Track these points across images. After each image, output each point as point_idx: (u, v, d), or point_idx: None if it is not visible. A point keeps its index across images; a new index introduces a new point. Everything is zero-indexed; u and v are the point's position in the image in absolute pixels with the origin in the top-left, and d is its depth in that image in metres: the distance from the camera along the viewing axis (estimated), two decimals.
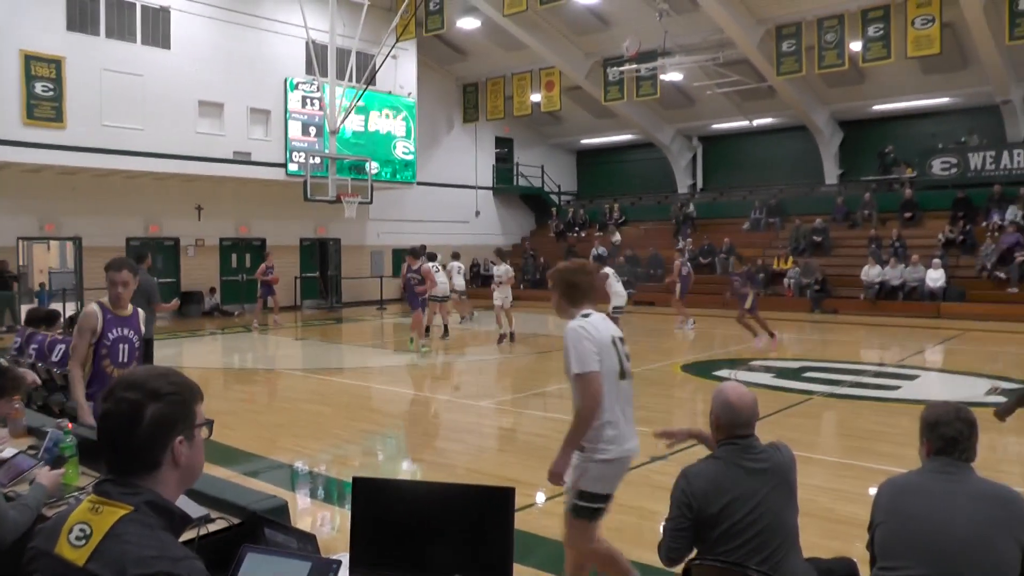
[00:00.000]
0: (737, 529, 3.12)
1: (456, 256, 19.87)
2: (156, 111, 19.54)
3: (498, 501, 2.63)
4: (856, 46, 21.77)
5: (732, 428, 3.31)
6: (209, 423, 1.87)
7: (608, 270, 15.72)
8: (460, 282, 19.43)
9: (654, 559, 4.99)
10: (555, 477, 3.94)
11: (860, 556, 3.37)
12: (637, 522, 5.90)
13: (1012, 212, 21.41)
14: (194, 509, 2.55)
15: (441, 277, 16.60)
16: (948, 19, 20.51)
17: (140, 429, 1.74)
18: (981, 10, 19.53)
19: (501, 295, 16.60)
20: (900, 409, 9.69)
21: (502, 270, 17.19)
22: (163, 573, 1.59)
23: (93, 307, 5.06)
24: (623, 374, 3.87)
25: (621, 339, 3.94)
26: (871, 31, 21.30)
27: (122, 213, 21.07)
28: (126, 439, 1.75)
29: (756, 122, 28.68)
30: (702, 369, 12.96)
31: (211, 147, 20.75)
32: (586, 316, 3.88)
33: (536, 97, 27.71)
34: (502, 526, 2.59)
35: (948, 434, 2.97)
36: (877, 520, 3.01)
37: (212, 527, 2.63)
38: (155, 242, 21.60)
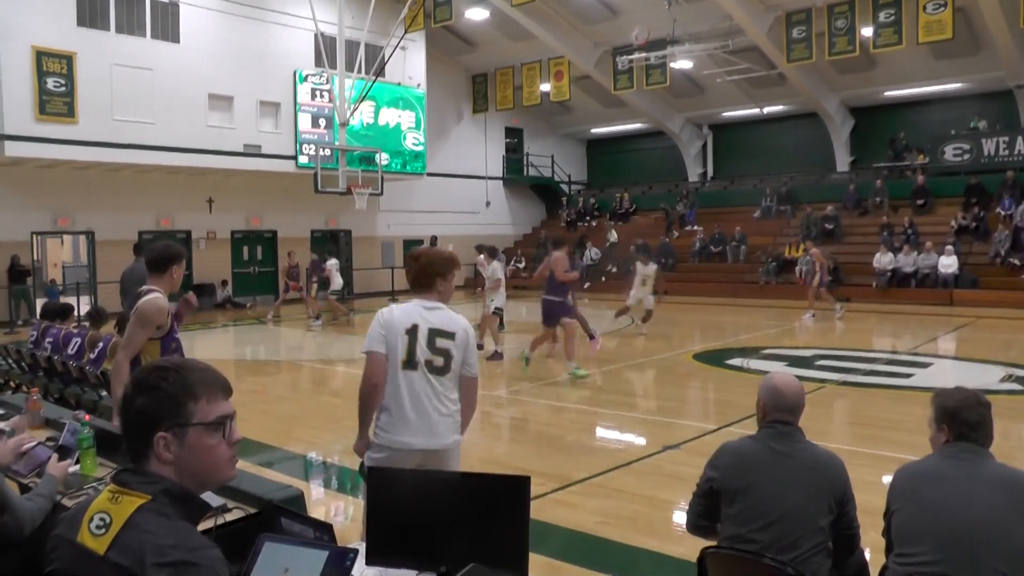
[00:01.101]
0: (756, 512, 3.10)
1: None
2: (166, 105, 19.61)
3: (513, 490, 2.63)
4: (867, 32, 21.60)
5: (775, 412, 3.28)
6: (219, 423, 1.81)
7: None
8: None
9: (665, 547, 5.04)
10: (356, 451, 4.00)
11: (872, 544, 3.37)
12: (648, 511, 5.92)
13: (1007, 203, 21.29)
14: (211, 498, 2.57)
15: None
16: (960, 4, 20.33)
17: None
18: None
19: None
20: (913, 397, 9.66)
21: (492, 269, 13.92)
22: (181, 562, 1.61)
23: (164, 300, 4.60)
24: (409, 364, 3.72)
25: (440, 331, 3.75)
26: (882, 16, 21.14)
27: (134, 207, 21.16)
28: (124, 430, 1.80)
29: (766, 110, 28.54)
30: (714, 358, 12.94)
31: (221, 140, 20.81)
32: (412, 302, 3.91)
33: (545, 87, 27.64)
34: (517, 515, 2.60)
35: (972, 419, 2.96)
36: (894, 506, 3.00)
37: (229, 517, 2.66)
38: (167, 235, 21.67)
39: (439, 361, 3.73)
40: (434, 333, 3.74)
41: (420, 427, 3.71)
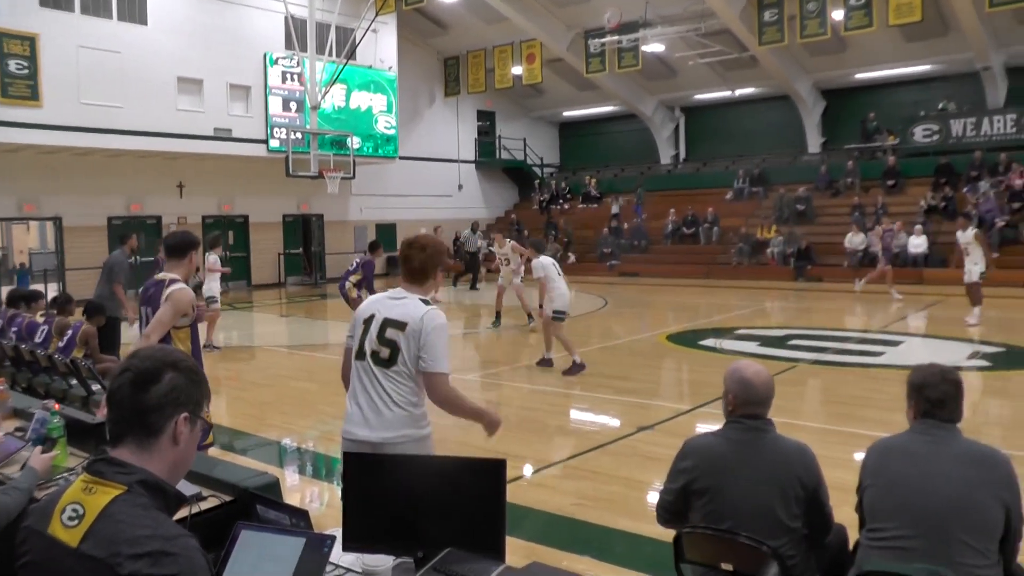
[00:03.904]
0: (726, 511, 3.09)
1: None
2: (135, 88, 19.33)
3: (489, 474, 2.63)
4: (838, 15, 21.75)
5: (745, 406, 3.23)
6: (208, 424, 1.90)
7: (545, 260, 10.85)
8: None
9: (641, 528, 5.06)
10: None
11: (848, 520, 3.41)
12: (624, 492, 5.96)
13: (984, 186, 21.54)
14: (186, 487, 2.55)
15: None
16: None
17: (154, 389, 1.76)
18: None
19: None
20: (884, 375, 9.79)
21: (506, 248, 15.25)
22: (157, 552, 1.59)
23: (191, 292, 4.76)
24: (359, 354, 3.61)
25: (393, 321, 3.56)
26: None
27: (103, 192, 20.88)
28: (137, 398, 1.76)
29: (738, 92, 28.64)
30: (687, 339, 13.03)
31: (191, 124, 20.57)
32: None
33: (518, 70, 27.58)
34: (494, 499, 2.60)
35: (934, 396, 2.99)
36: (865, 482, 3.03)
37: (204, 505, 2.64)
38: (137, 221, 21.43)
39: (384, 352, 3.54)
40: (387, 323, 3.57)
41: (364, 419, 3.56)
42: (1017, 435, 7.03)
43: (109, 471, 1.71)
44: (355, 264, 13.69)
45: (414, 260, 3.71)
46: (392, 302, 3.63)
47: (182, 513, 2.32)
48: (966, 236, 13.75)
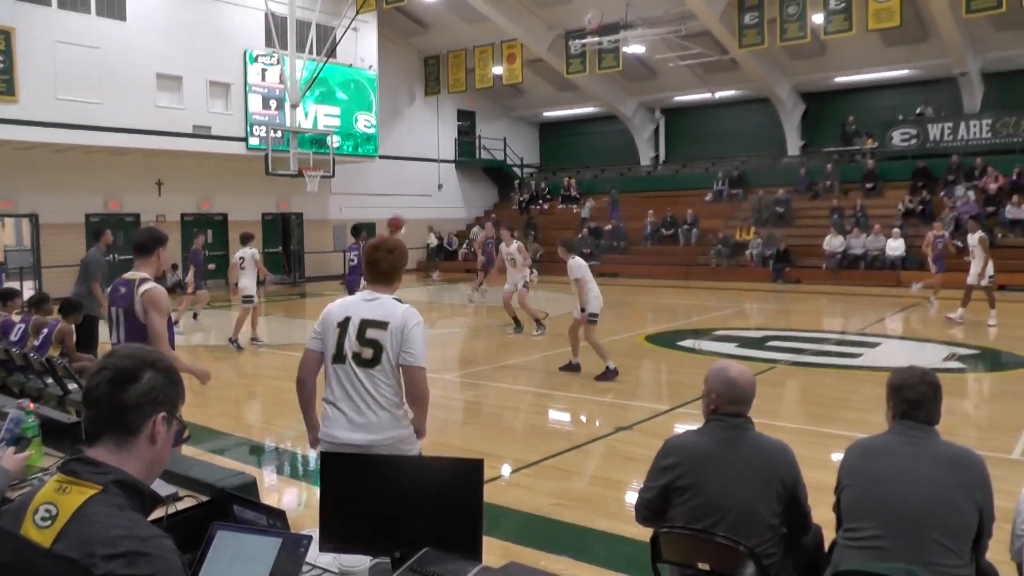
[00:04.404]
0: (707, 508, 3.12)
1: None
2: (114, 84, 19.16)
3: (466, 474, 2.63)
4: (818, 19, 21.91)
5: (728, 405, 3.27)
6: (183, 425, 1.90)
7: (580, 260, 10.53)
8: None
9: (619, 528, 5.08)
10: (310, 445, 4.04)
11: (824, 521, 3.44)
12: (602, 492, 5.98)
13: (960, 191, 21.79)
14: (162, 487, 2.53)
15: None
16: None
17: (133, 388, 1.76)
18: None
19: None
20: (862, 376, 9.87)
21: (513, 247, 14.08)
22: (132, 552, 1.57)
23: (161, 287, 4.70)
24: (338, 358, 3.61)
25: (372, 322, 3.58)
26: (833, 3, 21.48)
27: (80, 189, 20.68)
28: (115, 397, 1.75)
29: (718, 94, 28.78)
30: (666, 340, 13.08)
31: (171, 121, 20.42)
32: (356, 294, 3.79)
33: (498, 70, 27.57)
34: (471, 499, 2.60)
35: (912, 398, 3.03)
36: (844, 482, 3.06)
37: (180, 505, 2.62)
38: (115, 218, 21.22)
39: (368, 353, 3.56)
40: (365, 324, 3.58)
41: (348, 422, 3.59)
42: (990, 436, 7.12)
43: (84, 471, 1.70)
44: (356, 259, 13.25)
45: (383, 263, 3.74)
46: (366, 303, 3.66)
47: (158, 513, 2.31)
48: (973, 239, 14.06)
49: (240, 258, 12.93)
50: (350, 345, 3.58)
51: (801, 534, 3.29)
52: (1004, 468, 5.98)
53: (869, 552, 2.86)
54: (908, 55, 24.38)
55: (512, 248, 13.95)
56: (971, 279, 14.10)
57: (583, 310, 9.78)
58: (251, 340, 13.13)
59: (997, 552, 3.04)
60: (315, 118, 22.98)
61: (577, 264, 9.81)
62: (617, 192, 28.13)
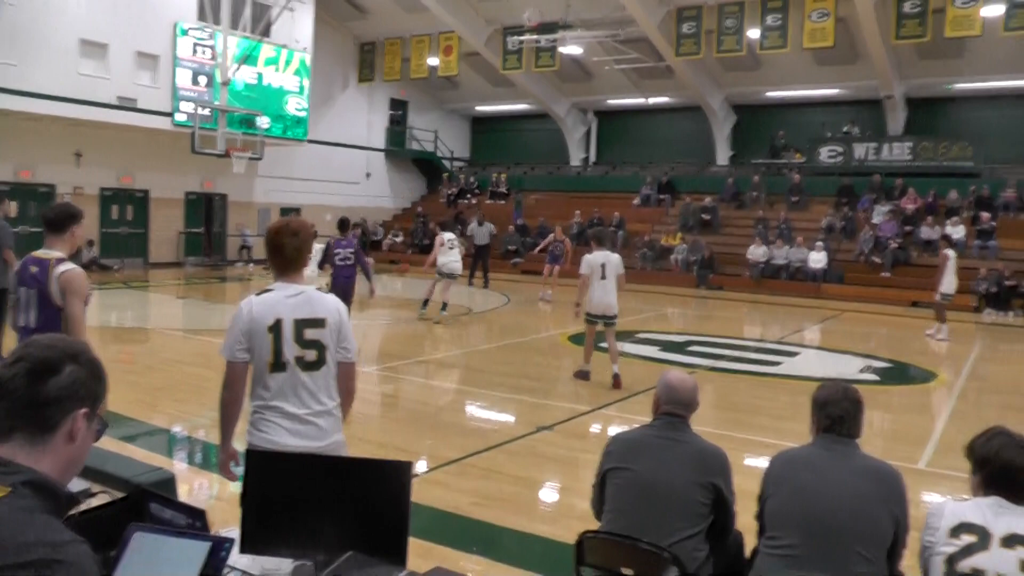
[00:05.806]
0: (639, 488, 3.30)
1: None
2: (31, 46, 18.36)
3: (394, 476, 2.58)
4: (754, 34, 22.41)
5: (667, 405, 3.51)
6: (103, 423, 1.77)
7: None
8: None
9: (539, 529, 5.09)
10: (219, 464, 3.74)
11: (744, 527, 3.51)
12: (522, 491, 5.97)
13: (878, 212, 22.56)
14: (74, 483, 2.41)
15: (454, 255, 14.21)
16: (842, 14, 21.40)
17: (53, 382, 1.63)
18: (872, 8, 20.42)
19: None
20: (779, 384, 10.10)
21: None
22: (43, 560, 1.46)
23: (79, 268, 4.47)
24: (277, 365, 3.33)
25: (308, 321, 3.37)
26: (769, 20, 22.00)
27: None
28: (33, 390, 1.62)
29: (652, 100, 29.15)
30: None
31: (93, 90, 19.70)
32: (265, 291, 3.44)
33: (434, 61, 27.45)
34: (398, 502, 2.55)
35: (836, 413, 3.16)
36: (768, 491, 3.17)
37: (94, 502, 2.50)
38: (26, 188, 20.39)
39: (311, 355, 3.35)
40: (301, 324, 3.33)
41: (294, 428, 3.36)
42: (899, 446, 7.36)
43: None
44: (354, 255, 11.51)
45: (287, 248, 3.43)
46: (292, 300, 3.39)
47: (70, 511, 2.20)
48: (940, 258, 14.39)
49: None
50: (290, 350, 3.34)
51: (723, 535, 3.41)
52: (911, 478, 6.08)
53: (790, 559, 2.96)
54: (838, 75, 25.11)
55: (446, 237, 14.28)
56: (936, 296, 14.41)
57: (578, 304, 9.85)
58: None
59: (905, 559, 3.16)
60: (245, 98, 22.46)
61: (595, 261, 9.43)
62: (522, 196, 28.48)
